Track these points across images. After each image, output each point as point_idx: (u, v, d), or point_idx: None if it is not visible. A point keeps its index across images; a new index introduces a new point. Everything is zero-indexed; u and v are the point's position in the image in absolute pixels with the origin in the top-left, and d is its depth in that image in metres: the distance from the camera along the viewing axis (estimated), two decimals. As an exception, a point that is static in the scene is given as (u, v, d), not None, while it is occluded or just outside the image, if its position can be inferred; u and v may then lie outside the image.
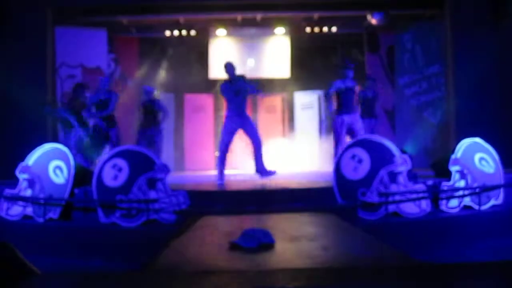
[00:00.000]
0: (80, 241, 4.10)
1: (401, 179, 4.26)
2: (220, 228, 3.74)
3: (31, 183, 4.57)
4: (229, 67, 6.27)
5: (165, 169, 4.25)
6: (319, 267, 2.42)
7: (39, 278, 2.12)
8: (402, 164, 4.27)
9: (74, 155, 5.12)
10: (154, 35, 9.51)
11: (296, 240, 3.10)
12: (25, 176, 4.59)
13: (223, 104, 7.87)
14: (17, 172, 4.62)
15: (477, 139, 4.82)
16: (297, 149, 9.51)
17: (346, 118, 6.34)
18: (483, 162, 4.69)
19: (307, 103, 10.09)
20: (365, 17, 8.27)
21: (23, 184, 4.61)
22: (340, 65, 6.64)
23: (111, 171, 4.25)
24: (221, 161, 6.24)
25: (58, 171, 4.57)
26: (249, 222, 3.89)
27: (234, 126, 6.18)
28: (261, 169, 6.23)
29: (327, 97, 6.55)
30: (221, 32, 9.47)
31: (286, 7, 8.04)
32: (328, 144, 8.93)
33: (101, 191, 4.25)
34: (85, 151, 6.43)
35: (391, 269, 2.32)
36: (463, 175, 4.56)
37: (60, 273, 3.03)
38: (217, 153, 6.50)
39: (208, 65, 9.68)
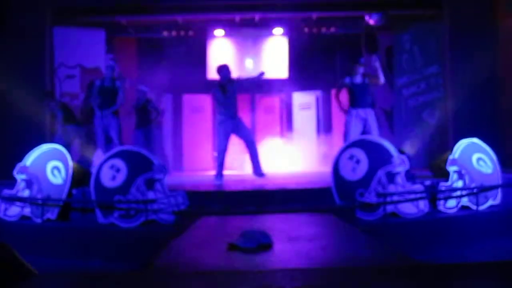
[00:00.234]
0: (78, 241, 4.09)
1: (399, 179, 4.27)
2: (219, 229, 3.74)
3: (29, 184, 4.56)
4: (225, 70, 6.29)
5: (164, 169, 4.25)
6: (318, 268, 2.43)
7: (37, 278, 2.12)
8: (400, 165, 4.27)
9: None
10: (153, 36, 9.51)
11: (294, 241, 3.10)
12: (23, 176, 4.58)
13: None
14: (15, 173, 4.61)
15: (475, 140, 4.82)
16: (295, 150, 9.51)
17: (359, 113, 6.12)
18: (481, 163, 4.70)
19: (305, 104, 10.10)
20: (363, 18, 8.27)
21: (21, 184, 4.60)
22: (353, 61, 6.46)
23: (109, 172, 4.25)
24: (220, 162, 6.28)
25: (56, 172, 4.56)
26: (247, 222, 3.89)
27: (228, 130, 6.23)
28: (257, 171, 6.27)
29: (336, 93, 6.35)
30: (219, 32, 9.47)
31: (284, 8, 8.04)
32: (326, 145, 8.95)
33: (99, 192, 4.24)
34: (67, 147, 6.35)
35: (389, 269, 2.32)
36: (461, 176, 4.56)
37: (58, 274, 3.03)
38: (215, 154, 6.50)
39: (206, 66, 9.68)
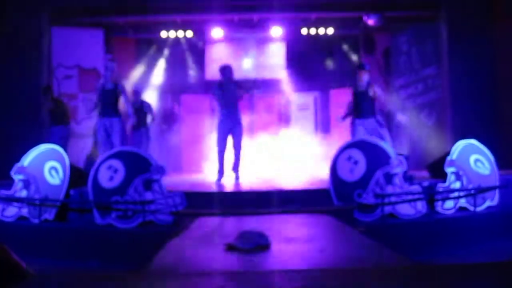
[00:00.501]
0: (76, 242, 4.09)
1: (397, 180, 4.27)
2: (217, 230, 3.73)
3: (26, 184, 4.56)
4: (227, 70, 6.32)
5: (161, 170, 4.24)
6: (315, 269, 2.43)
7: (34, 279, 2.11)
8: (397, 166, 4.28)
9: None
10: (151, 36, 9.50)
11: (292, 242, 3.10)
12: (21, 177, 4.58)
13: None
14: (12, 173, 4.60)
15: (473, 141, 4.83)
16: (293, 150, 9.51)
17: (361, 123, 5.87)
18: (479, 164, 4.71)
19: (303, 104, 10.10)
20: (361, 19, 8.29)
21: (18, 185, 4.59)
22: (358, 67, 6.11)
23: (107, 172, 4.24)
24: (220, 160, 6.33)
25: (53, 172, 4.56)
26: (245, 223, 3.88)
27: (226, 129, 6.29)
28: (235, 168, 6.39)
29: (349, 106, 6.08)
30: (217, 33, 9.47)
31: (282, 8, 8.04)
32: (324, 145, 8.94)
33: (97, 192, 4.24)
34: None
35: (387, 270, 2.32)
36: (458, 177, 4.57)
37: (55, 275, 3.02)
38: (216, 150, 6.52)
39: (204, 66, 9.68)
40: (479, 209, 4.50)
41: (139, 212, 4.07)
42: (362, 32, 9.23)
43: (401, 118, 5.67)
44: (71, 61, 8.14)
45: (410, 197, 4.21)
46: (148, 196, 4.14)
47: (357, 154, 4.36)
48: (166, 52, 9.85)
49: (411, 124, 8.32)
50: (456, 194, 4.47)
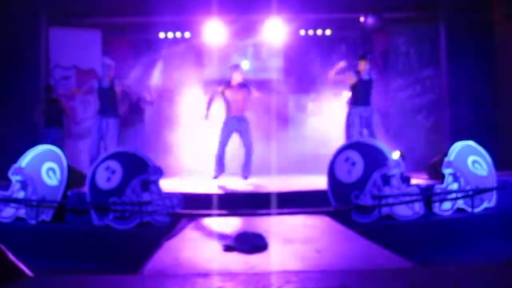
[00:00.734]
0: (73, 243, 4.08)
1: (395, 181, 4.28)
2: (214, 231, 3.73)
3: (23, 185, 4.55)
4: (238, 69, 6.40)
5: (159, 171, 4.24)
6: (313, 270, 2.43)
7: (30, 280, 2.11)
8: (395, 167, 4.28)
9: None
10: (149, 37, 9.50)
11: (289, 243, 3.10)
12: (18, 178, 4.57)
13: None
14: (9, 174, 4.59)
15: (470, 142, 4.84)
16: (291, 152, 9.50)
17: (362, 111, 6.18)
18: (476, 165, 4.71)
19: (301, 106, 10.10)
20: (359, 20, 8.29)
21: (15, 186, 4.58)
22: (359, 56, 6.33)
23: (105, 173, 4.24)
24: (219, 159, 6.33)
25: (51, 173, 4.55)
26: (243, 224, 3.88)
27: (231, 130, 6.30)
28: (245, 173, 6.37)
29: (334, 74, 6.27)
30: (216, 33, 9.46)
31: (280, 9, 8.05)
32: (321, 147, 8.93)
33: (95, 193, 4.23)
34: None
35: (384, 271, 2.32)
36: (456, 178, 4.58)
37: (52, 275, 3.01)
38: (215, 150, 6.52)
39: (203, 67, 9.67)
40: (476, 210, 4.51)
41: (136, 213, 4.07)
42: (360, 33, 9.23)
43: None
44: (68, 61, 8.12)
45: (407, 198, 4.22)
46: (146, 197, 4.14)
47: (355, 156, 4.36)
48: (164, 53, 9.84)
49: (409, 125, 8.33)
50: (453, 195, 4.48)
